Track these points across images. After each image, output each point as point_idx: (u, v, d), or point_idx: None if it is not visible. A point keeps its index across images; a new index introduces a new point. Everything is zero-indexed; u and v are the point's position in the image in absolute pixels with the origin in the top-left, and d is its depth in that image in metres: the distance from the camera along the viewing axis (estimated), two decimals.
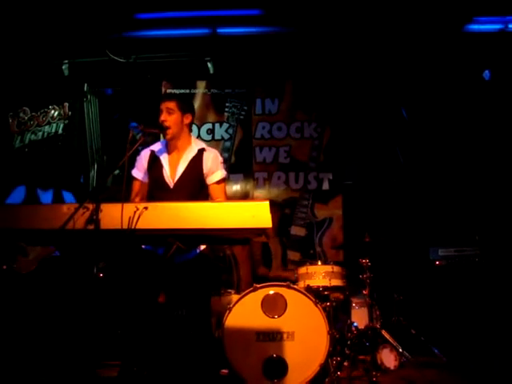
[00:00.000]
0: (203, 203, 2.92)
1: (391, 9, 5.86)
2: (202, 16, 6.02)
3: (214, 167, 3.62)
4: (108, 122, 6.89)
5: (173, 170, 3.61)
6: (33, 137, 6.82)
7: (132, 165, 3.70)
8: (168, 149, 3.67)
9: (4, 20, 5.67)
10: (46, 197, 4.70)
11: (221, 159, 3.71)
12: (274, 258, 5.93)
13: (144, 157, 3.69)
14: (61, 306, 4.38)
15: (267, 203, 2.77)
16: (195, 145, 3.68)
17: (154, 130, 3.60)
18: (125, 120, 6.75)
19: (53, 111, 6.87)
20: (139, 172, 3.68)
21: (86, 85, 6.86)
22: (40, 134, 6.82)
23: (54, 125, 6.84)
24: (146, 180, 3.68)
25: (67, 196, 4.79)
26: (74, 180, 5.83)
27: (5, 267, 4.87)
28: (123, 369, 3.49)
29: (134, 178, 3.69)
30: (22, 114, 6.85)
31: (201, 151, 3.66)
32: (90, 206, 2.77)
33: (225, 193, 3.70)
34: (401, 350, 4.50)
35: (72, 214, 2.76)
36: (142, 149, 3.72)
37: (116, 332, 4.58)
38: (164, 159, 3.64)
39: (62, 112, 6.87)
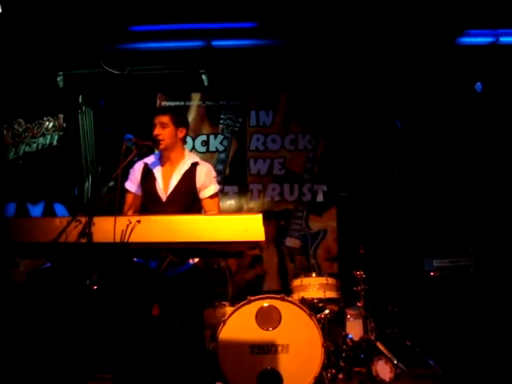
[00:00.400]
0: (196, 216, 2.92)
1: (384, 22, 5.91)
2: (197, 28, 6.05)
3: (207, 181, 3.62)
4: (102, 134, 6.89)
5: (166, 182, 3.61)
6: (27, 148, 6.81)
7: (126, 177, 3.70)
8: (161, 161, 3.68)
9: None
10: (36, 210, 4.67)
11: (214, 174, 3.71)
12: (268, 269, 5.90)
13: (137, 169, 3.69)
14: (52, 317, 4.34)
15: (260, 216, 2.78)
16: (188, 158, 3.68)
17: (148, 143, 3.60)
18: (118, 132, 6.76)
19: (47, 123, 6.87)
20: (132, 184, 3.68)
21: (80, 96, 6.87)
22: (34, 145, 6.81)
23: (49, 136, 6.83)
24: (139, 193, 3.67)
25: (59, 208, 4.77)
26: (68, 192, 5.80)
27: None
28: (115, 382, 3.47)
29: (127, 191, 3.68)
30: (16, 126, 6.84)
31: (194, 165, 3.66)
32: (83, 220, 2.77)
33: (218, 207, 3.70)
34: (396, 361, 4.48)
35: (65, 227, 2.75)
36: (136, 161, 3.72)
37: (108, 345, 4.55)
38: (157, 172, 3.64)
39: (56, 123, 6.87)
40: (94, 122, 6.98)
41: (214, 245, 2.82)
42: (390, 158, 6.67)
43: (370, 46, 6.23)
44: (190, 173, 3.62)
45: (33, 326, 4.31)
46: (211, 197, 3.63)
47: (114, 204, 2.99)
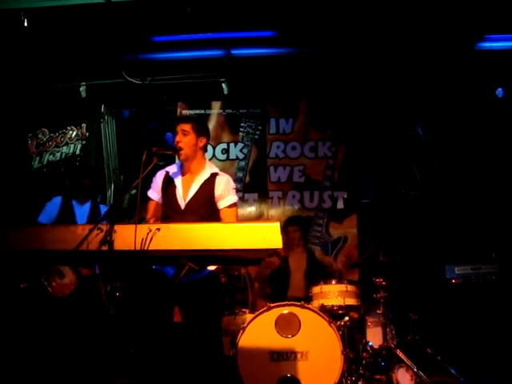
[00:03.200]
0: (215, 224, 2.95)
1: (404, 28, 5.90)
2: (217, 38, 6.11)
3: (225, 192, 3.65)
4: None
5: (185, 191, 3.66)
6: (51, 157, 6.94)
7: (148, 185, 3.76)
8: (182, 171, 3.73)
9: (23, 44, 5.82)
10: (83, 209, 4.74)
11: (233, 185, 3.74)
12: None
13: (159, 178, 3.75)
14: (76, 326, 4.41)
15: (277, 224, 2.80)
16: (209, 168, 3.73)
17: (168, 152, 3.65)
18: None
19: (71, 132, 7.00)
20: (154, 193, 3.75)
21: (103, 106, 7.00)
22: (58, 154, 6.94)
23: (72, 145, 6.96)
24: (161, 201, 3.73)
25: (104, 210, 4.82)
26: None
27: (24, 285, 4.95)
28: None
29: (150, 199, 3.75)
30: (40, 135, 6.99)
31: (213, 175, 3.69)
32: (104, 228, 2.81)
33: (236, 217, 3.71)
34: (416, 369, 4.45)
35: (86, 235, 2.80)
36: (158, 170, 3.78)
37: (128, 351, 4.61)
38: (178, 180, 3.69)
39: (79, 133, 7.00)
40: (116, 131, 7.10)
41: (232, 252, 2.84)
42: (412, 163, 6.64)
43: (390, 52, 6.22)
44: (209, 183, 3.66)
45: (59, 334, 4.38)
46: (229, 206, 3.65)
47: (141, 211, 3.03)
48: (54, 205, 4.65)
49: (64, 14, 5.41)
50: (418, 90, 6.58)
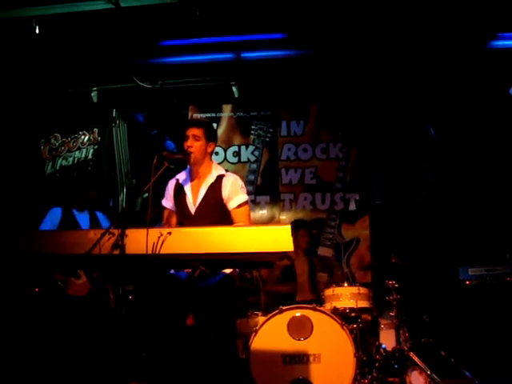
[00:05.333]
0: (225, 228, 2.95)
1: (416, 27, 5.87)
2: (226, 41, 6.12)
3: (232, 193, 3.64)
4: (142, 140, 7.02)
5: (194, 196, 3.67)
6: (64, 162, 7.00)
7: (161, 195, 3.81)
8: (191, 176, 3.75)
9: (35, 50, 5.88)
10: (84, 218, 4.78)
11: (241, 184, 3.72)
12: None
13: (170, 186, 3.79)
14: (90, 327, 4.44)
15: (289, 227, 2.79)
16: (215, 171, 3.73)
17: (178, 156, 3.66)
18: (161, 136, 6.88)
19: (83, 137, 7.06)
20: (167, 201, 3.79)
21: (114, 110, 7.05)
22: (70, 159, 7.00)
23: (84, 150, 7.01)
24: (174, 209, 3.77)
25: (101, 217, 4.88)
26: (103, 204, 5.94)
27: (37, 290, 4.99)
28: None
29: (164, 208, 3.80)
30: (53, 140, 7.05)
31: (220, 177, 3.70)
32: (116, 232, 2.83)
33: (248, 216, 3.70)
34: (429, 372, 4.41)
35: (98, 239, 2.82)
36: (169, 179, 3.81)
37: (141, 354, 4.62)
38: (187, 187, 3.72)
39: (91, 137, 7.05)
40: (127, 135, 7.14)
41: (243, 256, 2.84)
42: (424, 164, 6.60)
43: (402, 53, 6.19)
44: (216, 185, 3.66)
45: (72, 336, 4.42)
46: (239, 206, 3.63)
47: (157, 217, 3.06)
48: (55, 215, 4.70)
49: (74, 20, 5.45)
50: (430, 90, 6.54)
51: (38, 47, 5.79)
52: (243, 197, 3.66)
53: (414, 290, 5.49)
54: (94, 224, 4.70)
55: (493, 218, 6.19)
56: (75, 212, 4.75)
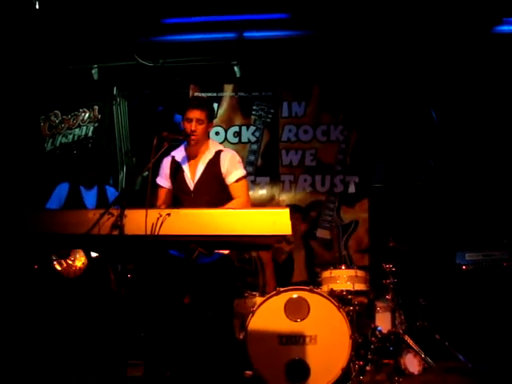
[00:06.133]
0: (225, 210, 2.97)
1: (420, 11, 5.81)
2: (229, 20, 6.07)
3: (231, 167, 3.67)
4: (153, 113, 6.99)
5: (192, 173, 3.69)
6: (64, 140, 6.98)
7: (156, 173, 3.80)
8: (188, 153, 3.75)
9: (35, 26, 5.82)
10: (91, 196, 4.76)
11: (238, 159, 3.76)
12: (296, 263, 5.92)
13: (166, 164, 3.79)
14: (88, 306, 4.48)
15: (287, 210, 2.80)
16: (213, 147, 3.76)
17: (179, 137, 3.65)
18: (169, 112, 6.86)
19: (83, 114, 7.03)
20: (163, 179, 3.80)
21: (115, 88, 7.00)
22: (71, 136, 6.98)
23: (85, 127, 6.99)
24: (170, 187, 3.78)
25: (111, 191, 4.85)
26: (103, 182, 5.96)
27: (36, 267, 5.02)
28: (148, 368, 3.57)
29: (159, 186, 3.80)
30: (53, 118, 7.02)
31: (218, 153, 3.72)
32: (115, 212, 2.83)
33: (246, 190, 3.74)
34: (424, 355, 4.47)
35: (97, 219, 2.83)
36: (164, 157, 3.80)
37: (139, 334, 4.67)
38: (184, 164, 3.73)
39: (92, 115, 7.02)
40: (128, 113, 7.11)
41: (241, 238, 2.85)
42: (425, 148, 6.58)
43: (405, 35, 6.14)
44: (214, 160, 3.68)
45: (71, 315, 4.45)
46: (237, 181, 3.67)
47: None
48: (62, 190, 4.67)
49: None
50: (432, 74, 6.50)
51: (38, 23, 5.74)
52: (241, 171, 3.70)
53: (411, 273, 5.53)
54: (102, 201, 4.67)
55: (491, 204, 6.20)
56: (82, 189, 4.72)
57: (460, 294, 5.50)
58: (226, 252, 3.64)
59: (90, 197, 4.70)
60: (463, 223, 6.11)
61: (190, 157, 3.74)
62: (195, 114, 3.61)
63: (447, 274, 5.68)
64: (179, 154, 3.78)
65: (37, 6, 5.36)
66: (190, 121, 3.61)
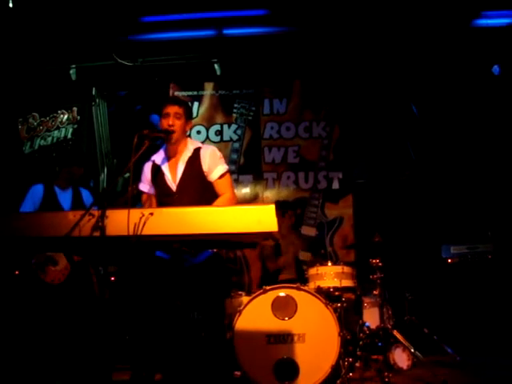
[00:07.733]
0: (208, 208, 2.90)
1: (399, 5, 5.82)
2: (208, 17, 6.01)
3: (212, 163, 3.62)
4: (124, 117, 6.88)
5: (173, 173, 3.63)
6: (42, 142, 6.85)
7: (138, 179, 3.75)
8: (167, 155, 3.70)
9: (11, 26, 5.70)
10: (65, 197, 4.67)
11: (219, 154, 3.70)
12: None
13: (147, 169, 3.74)
14: (72, 311, 4.39)
15: (273, 207, 2.74)
16: (191, 145, 3.70)
17: (160, 134, 3.59)
18: (146, 111, 6.76)
19: (62, 116, 6.91)
20: (145, 185, 3.74)
21: (94, 89, 6.90)
22: (49, 139, 6.85)
23: (63, 129, 6.87)
24: (153, 191, 3.72)
25: (85, 194, 4.78)
26: (84, 184, 5.86)
27: (17, 273, 4.90)
28: (135, 372, 3.50)
29: (142, 192, 3.75)
30: (31, 120, 6.89)
31: (197, 150, 3.66)
32: (96, 213, 2.75)
33: (231, 185, 3.69)
34: (413, 350, 4.45)
35: (78, 220, 2.75)
36: (144, 162, 3.75)
37: (124, 337, 4.59)
38: (164, 166, 3.67)
39: (70, 116, 6.90)
40: (108, 114, 7.00)
41: (226, 236, 2.78)
42: (407, 143, 6.59)
43: (385, 30, 6.14)
44: (194, 158, 3.63)
45: (54, 320, 4.36)
46: (220, 177, 3.62)
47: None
48: (37, 192, 4.58)
49: None
50: (412, 68, 6.52)
51: (12, 22, 5.61)
52: (224, 167, 3.65)
53: (397, 268, 5.52)
54: (77, 202, 4.60)
55: (475, 197, 6.22)
56: (57, 190, 4.63)
57: (446, 287, 5.51)
58: (215, 250, 3.58)
59: (65, 198, 4.61)
60: (448, 217, 6.12)
61: (170, 158, 3.68)
62: (173, 108, 3.58)
63: (433, 268, 5.69)
64: (159, 157, 3.73)
65: (10, 5, 5.23)
66: (168, 115, 3.56)
